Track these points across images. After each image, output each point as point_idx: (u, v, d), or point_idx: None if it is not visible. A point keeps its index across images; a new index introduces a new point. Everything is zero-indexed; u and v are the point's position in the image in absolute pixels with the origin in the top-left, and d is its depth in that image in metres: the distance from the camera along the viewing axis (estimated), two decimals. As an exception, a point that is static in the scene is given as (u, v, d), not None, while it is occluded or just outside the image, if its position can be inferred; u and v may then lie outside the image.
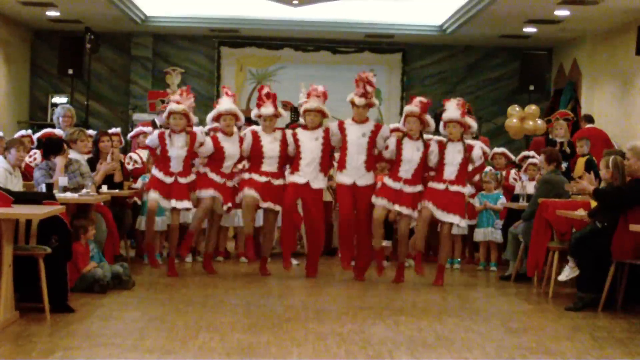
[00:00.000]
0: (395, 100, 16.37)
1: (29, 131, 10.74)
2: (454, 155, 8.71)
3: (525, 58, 15.13)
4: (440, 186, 8.69)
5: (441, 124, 8.83)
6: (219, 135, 9.01)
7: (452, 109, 8.80)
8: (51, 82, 16.48)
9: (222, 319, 6.56)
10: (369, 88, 8.76)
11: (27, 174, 9.10)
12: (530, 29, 14.93)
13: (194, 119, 9.00)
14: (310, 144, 8.89)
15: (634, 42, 12.26)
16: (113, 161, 9.44)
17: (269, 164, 8.96)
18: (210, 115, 9.13)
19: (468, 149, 8.73)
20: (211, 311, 6.92)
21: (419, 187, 8.77)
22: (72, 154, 8.79)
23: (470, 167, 8.90)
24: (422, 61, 16.86)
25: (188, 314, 6.75)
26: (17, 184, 7.93)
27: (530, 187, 9.87)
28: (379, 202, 8.72)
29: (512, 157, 11.00)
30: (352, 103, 8.84)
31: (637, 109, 13.14)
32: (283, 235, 9.04)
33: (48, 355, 5.32)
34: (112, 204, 9.16)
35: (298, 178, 8.84)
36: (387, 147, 8.82)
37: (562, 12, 13.21)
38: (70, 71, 14.47)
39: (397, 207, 8.67)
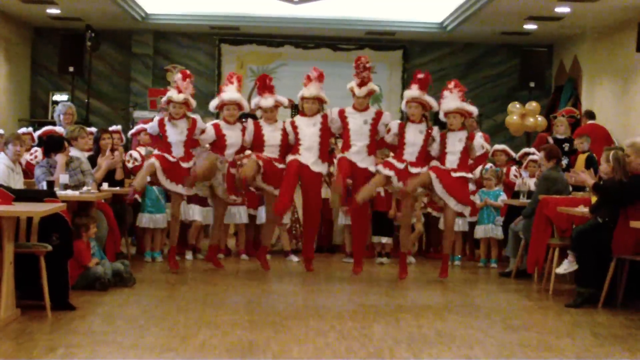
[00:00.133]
0: (396, 97, 16.33)
1: (30, 129, 10.74)
2: (454, 143, 8.72)
3: (526, 55, 15.13)
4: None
5: (441, 114, 8.85)
6: (221, 123, 9.02)
7: (450, 98, 8.81)
8: (52, 79, 16.47)
9: (222, 317, 6.57)
10: (365, 74, 8.75)
11: (28, 171, 9.11)
12: (530, 26, 14.92)
13: (193, 103, 8.99)
14: (308, 130, 8.89)
15: (634, 39, 12.26)
16: (117, 157, 9.47)
17: (271, 152, 8.95)
18: (213, 103, 9.13)
19: (470, 138, 8.74)
20: (212, 308, 6.93)
21: (424, 169, 8.72)
22: (73, 152, 8.80)
23: (470, 161, 8.93)
24: (422, 58, 16.87)
25: (189, 312, 6.76)
26: (18, 180, 7.96)
27: (531, 184, 9.89)
28: (385, 172, 8.63)
29: (513, 153, 11.01)
30: (353, 92, 8.85)
31: (637, 106, 13.14)
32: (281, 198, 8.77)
33: (49, 352, 5.33)
34: (112, 201, 9.18)
35: (299, 157, 8.83)
36: (388, 131, 8.81)
37: (562, 9, 13.21)
38: (71, 69, 14.46)
39: (400, 184, 8.59)
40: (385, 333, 6.14)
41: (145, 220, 9.68)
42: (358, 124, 8.80)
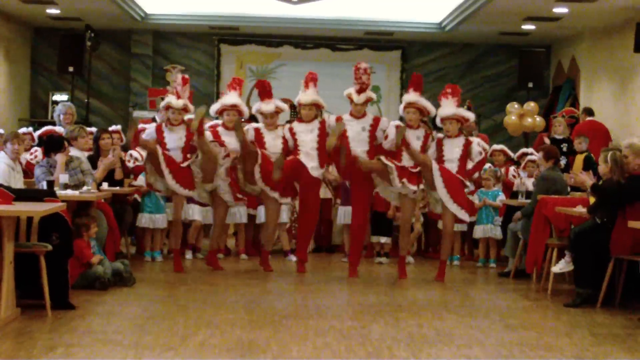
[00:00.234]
0: (395, 97, 16.35)
1: (30, 129, 10.76)
2: (452, 151, 8.73)
3: (524, 55, 15.14)
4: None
5: (438, 120, 8.84)
6: (220, 129, 9.02)
7: (447, 105, 8.80)
8: (52, 79, 16.47)
9: (222, 316, 6.58)
10: (364, 77, 8.74)
11: (28, 171, 9.13)
12: (528, 26, 14.94)
13: (192, 109, 9.00)
14: (306, 136, 8.90)
15: (632, 39, 12.27)
16: (113, 157, 9.48)
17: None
18: (213, 108, 9.14)
19: (467, 144, 8.73)
20: (211, 308, 6.94)
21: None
22: (73, 151, 8.82)
23: (469, 165, 8.89)
24: (421, 58, 16.86)
25: (188, 311, 6.78)
26: (19, 179, 7.97)
27: (529, 184, 9.91)
28: (387, 162, 8.54)
29: (511, 154, 11.03)
30: (350, 99, 8.84)
31: (635, 106, 13.16)
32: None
33: (49, 351, 5.34)
34: (112, 201, 9.19)
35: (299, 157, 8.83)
36: (386, 137, 8.81)
37: (560, 10, 13.22)
38: (71, 69, 14.47)
39: (404, 181, 8.54)
40: (384, 332, 6.15)
41: (145, 220, 9.70)
42: (356, 131, 8.79)
